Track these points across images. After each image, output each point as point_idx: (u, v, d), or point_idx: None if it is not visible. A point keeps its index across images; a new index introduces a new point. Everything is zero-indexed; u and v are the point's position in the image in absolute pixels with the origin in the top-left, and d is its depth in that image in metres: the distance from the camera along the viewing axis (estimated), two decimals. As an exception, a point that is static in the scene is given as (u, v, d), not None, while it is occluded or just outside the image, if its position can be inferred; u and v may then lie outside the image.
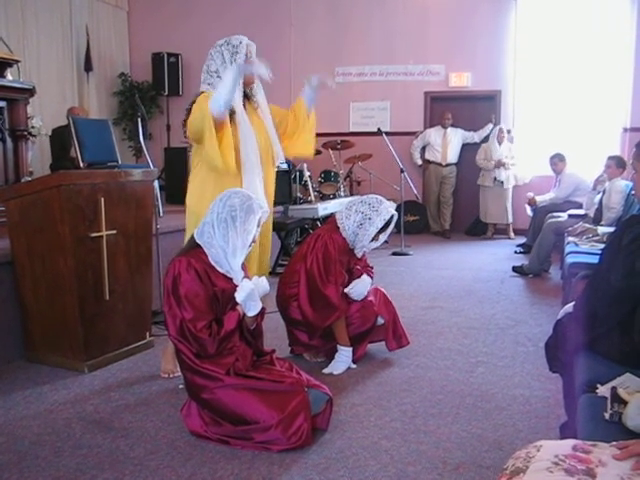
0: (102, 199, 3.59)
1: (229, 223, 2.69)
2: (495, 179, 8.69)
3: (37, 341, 3.73)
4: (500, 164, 8.57)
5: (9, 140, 4.56)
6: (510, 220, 8.84)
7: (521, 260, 6.82)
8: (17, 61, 4.65)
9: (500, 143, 8.68)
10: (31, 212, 3.55)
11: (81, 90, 9.24)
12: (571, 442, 1.39)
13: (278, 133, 3.45)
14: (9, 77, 4.59)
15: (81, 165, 5.73)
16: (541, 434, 2.62)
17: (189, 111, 3.21)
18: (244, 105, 3.29)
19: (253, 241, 2.81)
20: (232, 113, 3.16)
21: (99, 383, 3.41)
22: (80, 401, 3.15)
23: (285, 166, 7.65)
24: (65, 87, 8.94)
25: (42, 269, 3.58)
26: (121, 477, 2.39)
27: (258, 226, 2.79)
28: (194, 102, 3.21)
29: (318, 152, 8.43)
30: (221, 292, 2.72)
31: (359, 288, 3.60)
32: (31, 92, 4.68)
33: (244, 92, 3.26)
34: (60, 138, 7.09)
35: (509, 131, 8.98)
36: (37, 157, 7.84)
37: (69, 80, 9.04)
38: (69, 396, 3.22)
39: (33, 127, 6.68)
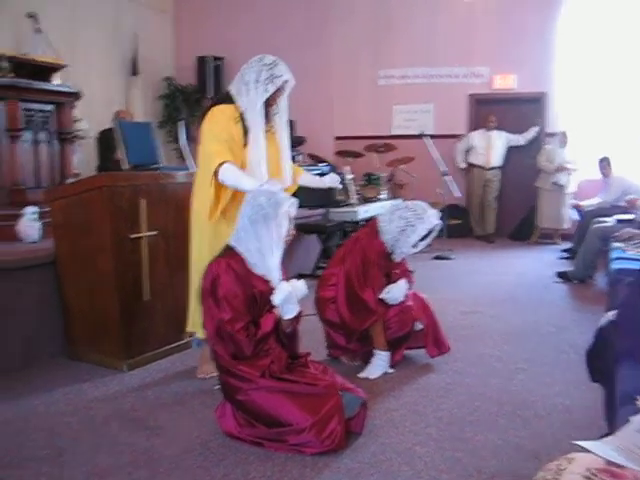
0: (143, 201, 3.64)
1: (261, 223, 2.70)
2: (555, 183, 8.46)
3: (79, 339, 3.81)
4: (562, 168, 8.35)
5: (56, 142, 4.68)
6: (565, 226, 8.52)
7: (566, 266, 6.66)
8: (63, 66, 4.77)
9: (563, 147, 8.46)
10: (74, 213, 3.63)
11: (127, 94, 9.40)
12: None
13: None
14: (56, 81, 4.71)
15: (125, 167, 5.83)
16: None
17: (207, 110, 3.27)
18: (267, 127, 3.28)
19: (288, 234, 2.80)
20: (246, 132, 3.18)
21: (137, 382, 3.46)
22: (118, 399, 3.20)
23: (327, 169, 7.65)
24: (112, 91, 9.11)
25: (84, 269, 3.66)
26: (155, 475, 2.42)
27: (289, 217, 2.78)
28: (214, 104, 3.28)
29: (360, 155, 8.42)
30: (259, 294, 2.72)
31: (394, 293, 3.56)
32: (77, 96, 4.80)
33: (266, 112, 3.24)
34: (106, 140, 7.24)
35: (554, 134, 8.78)
36: (84, 159, 8.00)
37: (116, 84, 9.22)
38: (108, 394, 3.28)
39: (81, 130, 6.85)
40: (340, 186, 3.70)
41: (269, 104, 3.23)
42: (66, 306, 3.82)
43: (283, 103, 3.32)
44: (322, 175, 4.13)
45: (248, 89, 3.18)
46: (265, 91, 3.15)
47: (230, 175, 3.05)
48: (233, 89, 3.25)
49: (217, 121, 3.19)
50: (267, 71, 3.15)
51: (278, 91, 3.21)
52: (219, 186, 3.12)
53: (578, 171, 8.45)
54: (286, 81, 3.21)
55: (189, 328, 3.47)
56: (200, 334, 3.38)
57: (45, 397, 3.22)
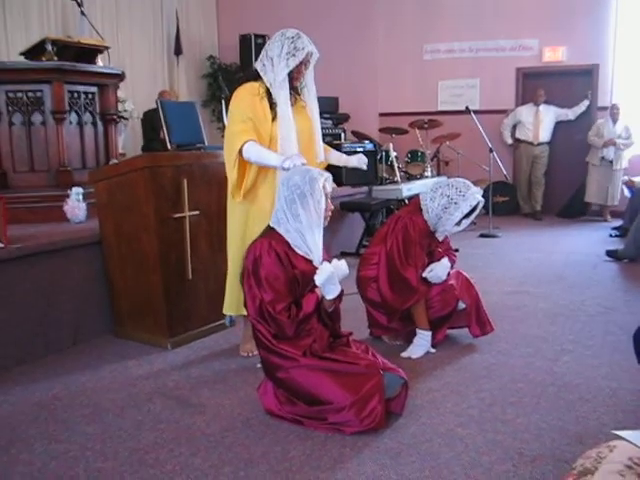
0: (185, 180, 3.67)
1: (298, 202, 2.68)
2: (603, 158, 8.24)
3: (124, 317, 3.89)
4: (611, 143, 8.10)
5: (100, 124, 4.74)
6: (612, 202, 8.31)
7: (616, 244, 6.48)
8: (107, 47, 4.81)
9: (615, 121, 8.20)
10: (118, 193, 3.68)
11: (171, 73, 9.50)
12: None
13: None
14: (100, 63, 4.76)
15: (169, 147, 5.88)
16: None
17: (232, 94, 3.28)
18: (293, 100, 3.27)
19: (327, 210, 2.78)
20: (274, 106, 3.17)
21: (181, 360, 3.51)
22: (162, 377, 3.26)
23: (371, 146, 7.58)
24: (156, 71, 9.21)
25: (128, 248, 3.71)
26: (196, 452, 2.45)
27: (326, 193, 2.76)
28: (242, 83, 3.28)
29: (405, 131, 8.31)
30: (301, 274, 2.71)
31: (437, 271, 3.52)
32: (120, 77, 4.84)
33: (293, 86, 3.23)
34: (150, 121, 7.32)
35: (606, 108, 8.51)
36: (130, 139, 8.13)
37: (160, 64, 9.31)
38: (152, 371, 3.34)
39: (125, 110, 6.95)
40: (365, 167, 3.66)
41: (295, 78, 3.21)
42: (112, 285, 3.90)
43: (309, 76, 3.31)
44: (364, 152, 4.11)
45: (272, 64, 3.17)
46: (287, 66, 3.13)
47: (254, 152, 3.08)
48: (258, 66, 3.24)
49: (241, 99, 3.20)
50: (289, 45, 3.13)
51: (302, 64, 3.18)
52: (244, 165, 3.15)
53: (632, 146, 8.19)
54: (310, 53, 3.18)
55: (225, 310, 3.52)
56: (232, 312, 3.46)
57: (92, 374, 3.31)
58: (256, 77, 3.24)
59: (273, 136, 3.17)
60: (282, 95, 3.16)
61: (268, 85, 3.18)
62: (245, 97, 3.19)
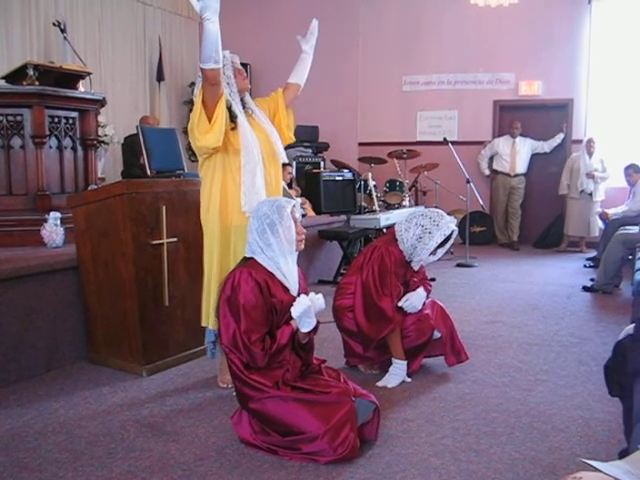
0: (164, 207, 3.68)
1: (269, 231, 2.74)
2: (582, 191, 8.41)
3: (100, 344, 3.86)
4: (590, 176, 8.27)
5: (80, 149, 4.74)
6: (595, 234, 8.40)
7: (591, 274, 6.58)
8: (89, 73, 4.83)
9: (590, 154, 8.38)
10: (96, 219, 3.68)
11: (153, 99, 9.52)
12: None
13: (275, 125, 3.52)
14: (81, 89, 4.77)
15: (149, 173, 5.88)
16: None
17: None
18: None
19: (299, 234, 2.82)
20: (234, 117, 3.25)
21: (156, 387, 3.48)
22: (136, 404, 3.23)
23: (350, 175, 7.66)
24: (138, 97, 9.23)
25: (105, 274, 3.70)
26: (169, 482, 2.43)
27: (295, 219, 2.81)
28: None
29: (384, 161, 8.41)
30: (280, 303, 2.74)
31: (413, 301, 3.55)
32: (102, 103, 4.86)
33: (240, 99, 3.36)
34: (131, 146, 7.32)
35: (580, 141, 8.70)
36: (110, 164, 8.12)
37: (142, 90, 9.33)
38: (127, 399, 3.31)
39: (106, 135, 6.94)
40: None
41: (239, 91, 3.36)
42: (88, 311, 3.87)
43: (253, 104, 3.47)
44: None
45: None
46: (226, 79, 3.27)
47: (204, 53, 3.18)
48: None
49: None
50: None
51: (237, 73, 3.36)
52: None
53: (608, 179, 8.39)
54: (232, 57, 3.37)
55: (204, 323, 3.46)
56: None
57: (65, 401, 3.27)
58: None
59: (236, 147, 3.24)
60: (235, 105, 3.28)
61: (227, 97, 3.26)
62: None
